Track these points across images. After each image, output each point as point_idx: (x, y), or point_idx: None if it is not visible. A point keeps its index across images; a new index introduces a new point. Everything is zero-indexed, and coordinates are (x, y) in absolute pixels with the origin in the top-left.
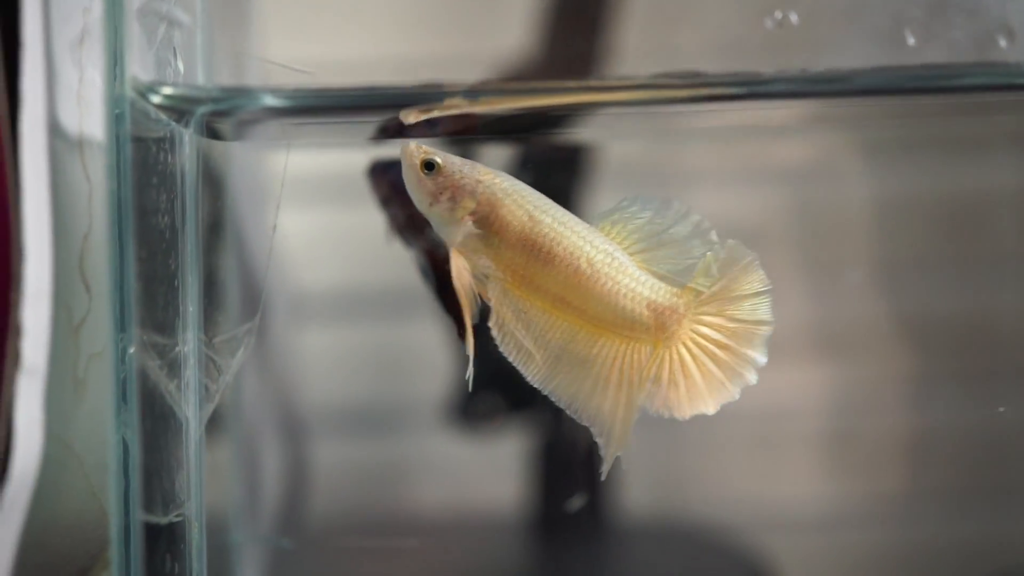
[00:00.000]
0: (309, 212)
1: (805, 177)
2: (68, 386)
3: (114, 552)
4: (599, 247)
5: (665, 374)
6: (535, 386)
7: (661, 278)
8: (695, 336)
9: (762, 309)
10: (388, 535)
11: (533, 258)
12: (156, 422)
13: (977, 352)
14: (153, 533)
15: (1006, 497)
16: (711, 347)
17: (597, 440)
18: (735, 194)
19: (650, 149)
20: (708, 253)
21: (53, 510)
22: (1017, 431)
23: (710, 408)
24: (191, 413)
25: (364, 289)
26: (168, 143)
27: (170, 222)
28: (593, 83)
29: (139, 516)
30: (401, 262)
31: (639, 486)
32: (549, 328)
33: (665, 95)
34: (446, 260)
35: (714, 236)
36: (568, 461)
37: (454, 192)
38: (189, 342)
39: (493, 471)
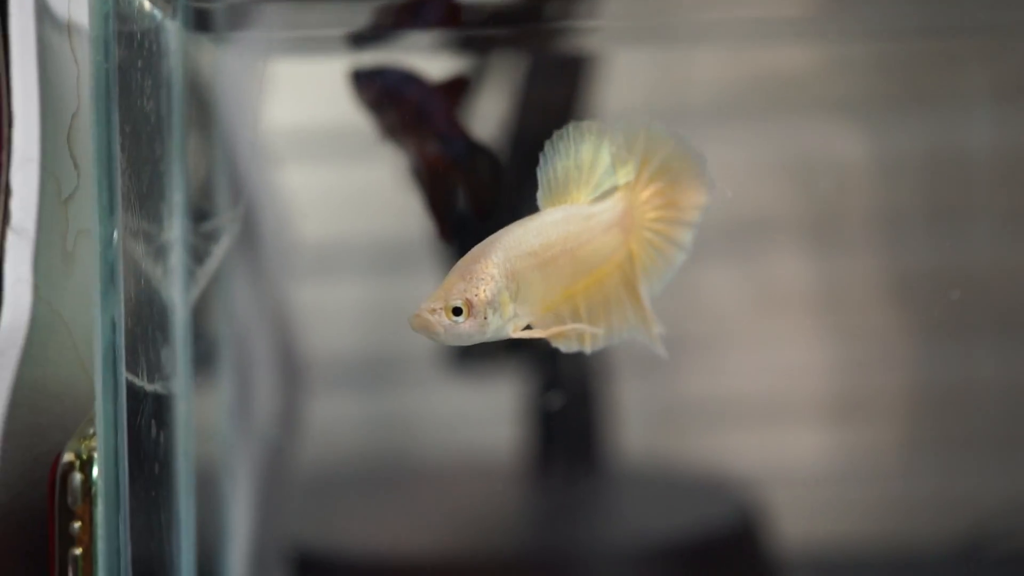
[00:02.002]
0: (309, 166)
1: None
2: (57, 256)
3: (97, 402)
4: (574, 221)
5: (646, 259)
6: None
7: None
8: (647, 217)
9: (679, 152)
10: (385, 482)
11: (549, 279)
12: (141, 301)
13: (980, 308)
14: (137, 394)
15: (998, 449)
16: (660, 215)
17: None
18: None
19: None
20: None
21: (42, 374)
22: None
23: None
24: (178, 297)
25: (361, 240)
26: (154, 32)
27: (155, 107)
28: None
29: (123, 373)
30: (398, 213)
31: (636, 432)
32: (573, 308)
33: None
34: (437, 162)
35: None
36: (565, 405)
37: (490, 305)
38: (175, 228)
39: (490, 416)
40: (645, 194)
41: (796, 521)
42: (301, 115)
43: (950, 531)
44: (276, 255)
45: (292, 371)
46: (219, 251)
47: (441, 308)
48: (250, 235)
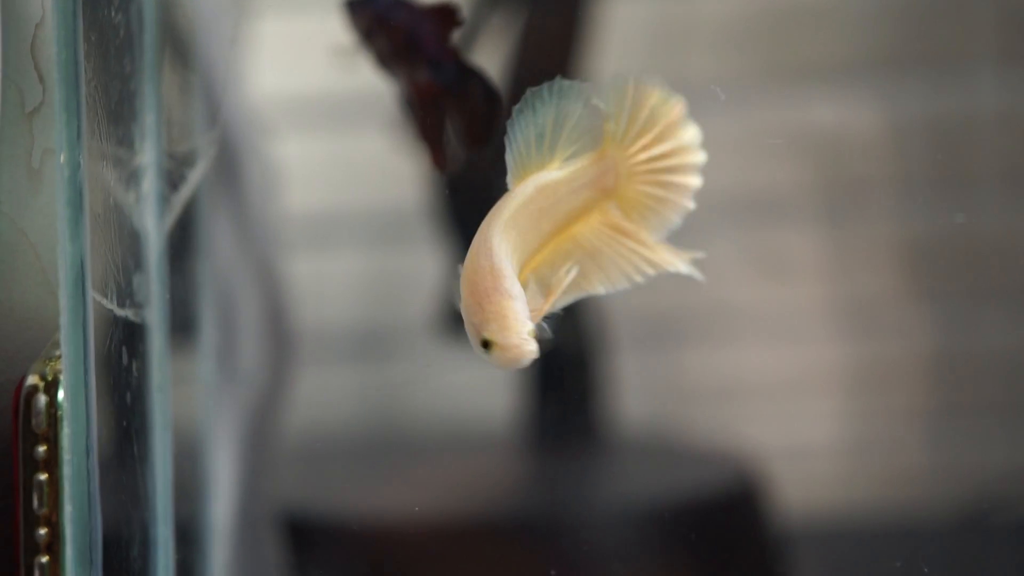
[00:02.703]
0: (302, 136)
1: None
2: (23, 173)
3: (62, 319)
4: (547, 192)
5: (647, 211)
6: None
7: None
8: (634, 167)
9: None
10: (379, 450)
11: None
12: (111, 226)
13: (987, 272)
14: (105, 317)
15: (1006, 416)
16: (651, 166)
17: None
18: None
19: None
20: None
21: (7, 297)
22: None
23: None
24: (151, 223)
25: (355, 210)
26: None
27: (124, 20)
28: None
29: (90, 292)
30: (393, 182)
31: (636, 401)
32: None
33: None
34: (428, 89)
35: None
36: (561, 373)
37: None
38: (148, 152)
39: (485, 385)
40: (634, 148)
41: (799, 490)
42: (294, 83)
43: (955, 500)
44: (264, 205)
45: (281, 335)
46: (195, 176)
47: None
48: (232, 172)
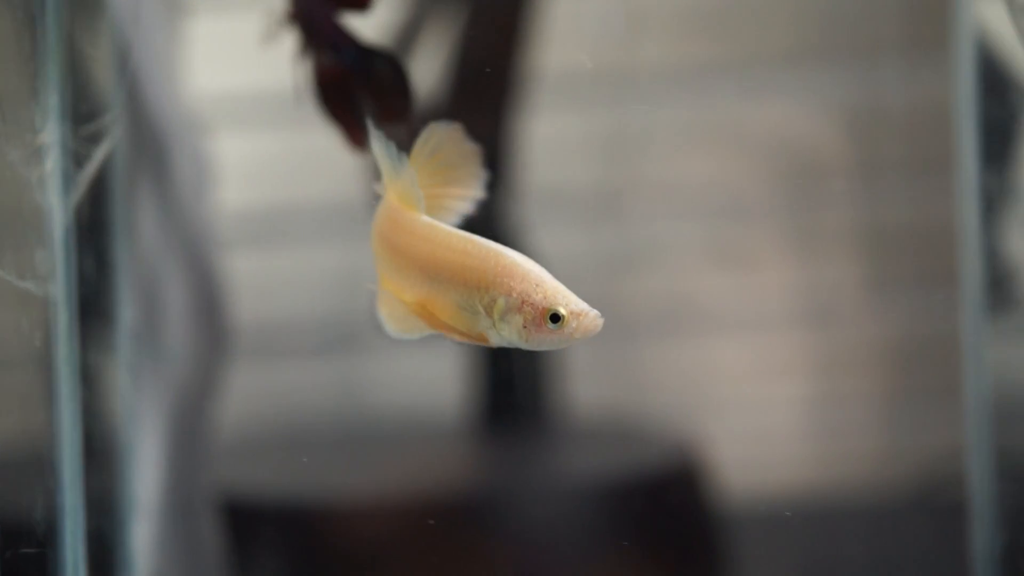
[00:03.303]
0: (249, 133)
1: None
2: None
3: None
4: None
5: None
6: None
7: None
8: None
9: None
10: (335, 440)
11: None
12: (10, 201)
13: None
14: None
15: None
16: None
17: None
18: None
19: None
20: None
21: None
22: None
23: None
24: (56, 200)
25: (309, 206)
26: None
27: None
28: None
29: None
30: (345, 177)
31: (590, 387)
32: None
33: None
34: (329, 70)
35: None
36: (513, 362)
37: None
38: (51, 132)
39: (438, 376)
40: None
41: (754, 473)
42: (239, 80)
43: (907, 481)
44: (196, 199)
45: (214, 327)
46: (100, 154)
47: (550, 303)
48: (161, 164)
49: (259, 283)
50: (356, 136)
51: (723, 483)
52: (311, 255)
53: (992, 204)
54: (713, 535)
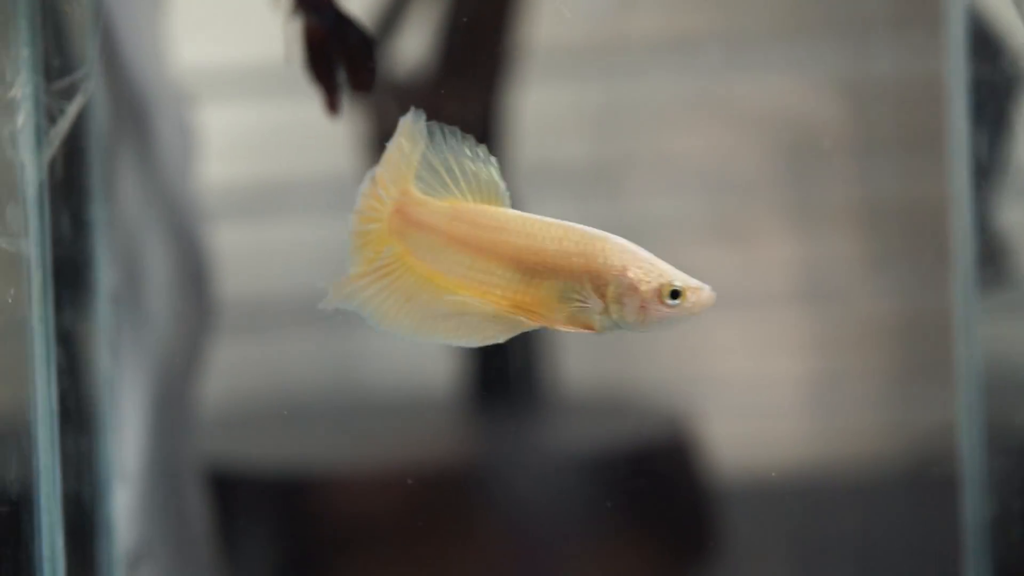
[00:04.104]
0: (238, 106)
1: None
2: None
3: None
4: None
5: None
6: None
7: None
8: None
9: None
10: (328, 412)
11: None
12: None
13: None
14: None
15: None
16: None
17: None
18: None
19: None
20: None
21: None
22: None
23: None
24: (28, 156)
25: (298, 180)
26: None
27: None
28: None
29: None
30: (338, 150)
31: (584, 361)
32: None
33: None
34: (313, 32)
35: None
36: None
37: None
38: (23, 86)
39: (429, 348)
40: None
41: (739, 447)
42: (221, 50)
43: (892, 453)
44: (181, 168)
45: (200, 298)
46: (74, 109)
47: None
48: (144, 130)
49: (247, 255)
50: (332, 101)
51: (716, 457)
52: (300, 228)
53: (984, 179)
54: (705, 509)
